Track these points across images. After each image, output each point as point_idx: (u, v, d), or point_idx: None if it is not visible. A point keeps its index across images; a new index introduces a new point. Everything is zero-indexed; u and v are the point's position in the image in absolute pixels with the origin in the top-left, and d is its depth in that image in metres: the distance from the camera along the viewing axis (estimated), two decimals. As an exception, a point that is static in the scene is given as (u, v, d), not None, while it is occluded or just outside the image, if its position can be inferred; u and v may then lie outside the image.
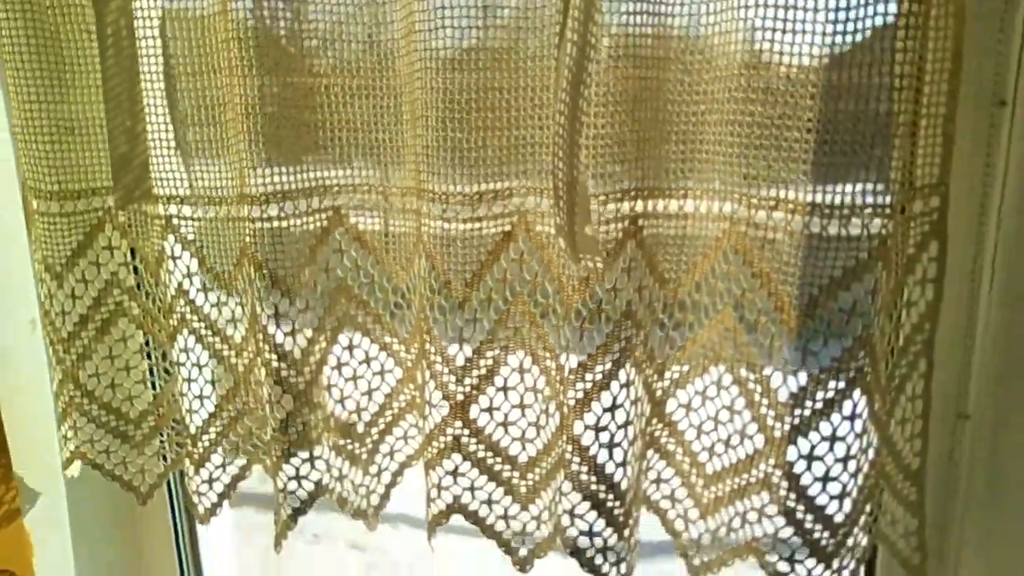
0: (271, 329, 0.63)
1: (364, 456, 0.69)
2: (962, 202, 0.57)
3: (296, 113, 0.62)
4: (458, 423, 0.62)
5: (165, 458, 0.77)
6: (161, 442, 0.77)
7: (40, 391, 0.80)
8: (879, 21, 0.50)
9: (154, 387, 0.77)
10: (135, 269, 0.74)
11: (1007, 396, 0.59)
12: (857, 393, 0.54)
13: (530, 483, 0.64)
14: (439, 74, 0.56)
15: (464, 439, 0.62)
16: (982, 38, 0.55)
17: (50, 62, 0.68)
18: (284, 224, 0.63)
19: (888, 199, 0.52)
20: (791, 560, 0.57)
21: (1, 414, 0.74)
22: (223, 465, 0.72)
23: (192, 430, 0.71)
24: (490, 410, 0.62)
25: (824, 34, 0.50)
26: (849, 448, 0.55)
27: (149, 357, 0.77)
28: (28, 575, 0.78)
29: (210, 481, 0.72)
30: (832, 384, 0.54)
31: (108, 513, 0.89)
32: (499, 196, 0.58)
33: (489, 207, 0.58)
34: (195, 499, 0.73)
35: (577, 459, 0.59)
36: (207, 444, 0.71)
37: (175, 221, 0.68)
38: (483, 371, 0.61)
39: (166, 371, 0.76)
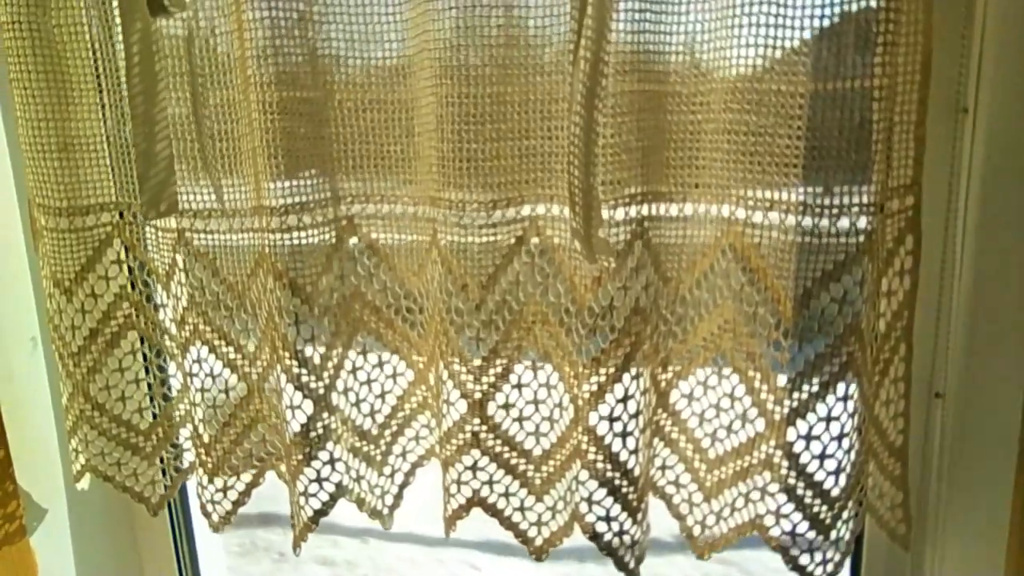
0: (291, 336, 0.65)
1: (379, 457, 0.72)
2: (932, 200, 0.63)
3: (311, 127, 0.64)
4: (476, 420, 0.65)
5: (177, 469, 0.78)
6: (171, 453, 0.78)
7: (42, 409, 0.80)
8: (857, 38, 0.55)
9: (164, 399, 0.78)
10: (144, 283, 0.75)
11: (975, 376, 0.65)
12: (849, 376, 0.59)
13: (544, 475, 0.67)
14: (455, 89, 0.59)
15: (482, 435, 0.65)
16: (946, 51, 0.61)
17: (55, 80, 0.69)
18: (302, 234, 0.65)
19: (869, 198, 0.57)
20: (792, 534, 0.62)
21: (6, 432, 0.74)
22: (237, 473, 0.73)
23: (206, 439, 0.72)
24: (506, 406, 0.65)
25: (810, 53, 0.55)
26: (843, 427, 0.60)
27: (160, 371, 0.78)
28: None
29: (224, 489, 0.73)
30: (826, 368, 0.59)
31: (110, 529, 0.89)
32: (512, 203, 0.62)
33: (503, 214, 0.62)
34: (209, 507, 0.74)
35: (593, 448, 0.62)
36: (221, 453, 0.73)
37: (188, 234, 0.69)
38: (499, 369, 0.64)
39: (162, 382, 0.77)
